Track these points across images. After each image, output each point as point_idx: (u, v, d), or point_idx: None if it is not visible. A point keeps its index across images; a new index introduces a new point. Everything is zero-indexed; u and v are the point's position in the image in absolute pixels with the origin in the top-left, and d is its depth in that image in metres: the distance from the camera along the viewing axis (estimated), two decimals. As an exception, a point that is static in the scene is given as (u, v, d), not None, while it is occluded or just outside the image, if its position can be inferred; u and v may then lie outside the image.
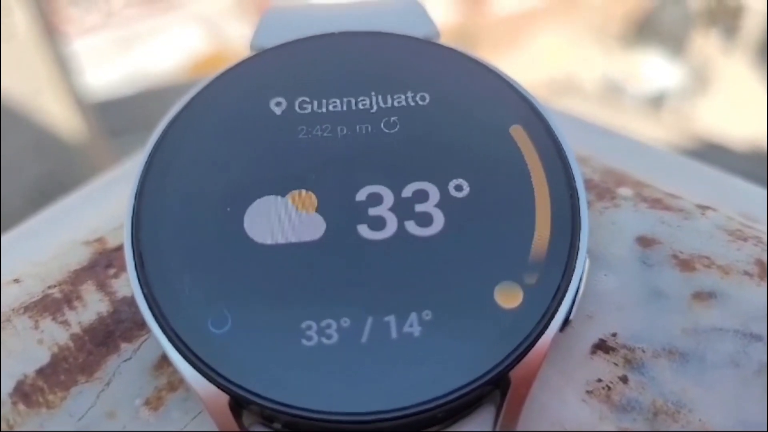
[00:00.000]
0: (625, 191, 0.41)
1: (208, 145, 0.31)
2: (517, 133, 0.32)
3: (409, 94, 0.32)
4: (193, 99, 0.33)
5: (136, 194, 0.31)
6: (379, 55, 0.34)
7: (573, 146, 0.32)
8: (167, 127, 0.33)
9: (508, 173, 0.31)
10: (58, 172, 3.13)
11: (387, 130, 0.31)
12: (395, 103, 0.32)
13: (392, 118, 0.32)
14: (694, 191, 0.43)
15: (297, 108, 0.32)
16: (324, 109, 0.32)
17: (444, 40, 0.35)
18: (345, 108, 0.32)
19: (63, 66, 3.31)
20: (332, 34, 0.35)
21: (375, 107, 0.32)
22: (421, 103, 0.32)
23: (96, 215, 0.41)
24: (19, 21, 2.70)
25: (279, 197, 0.30)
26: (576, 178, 0.31)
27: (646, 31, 7.65)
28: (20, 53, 2.78)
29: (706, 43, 8.29)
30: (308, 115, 0.32)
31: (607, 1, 8.17)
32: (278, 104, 0.32)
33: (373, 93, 0.32)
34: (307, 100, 0.32)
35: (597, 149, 0.45)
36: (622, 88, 6.95)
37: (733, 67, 7.97)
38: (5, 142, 2.91)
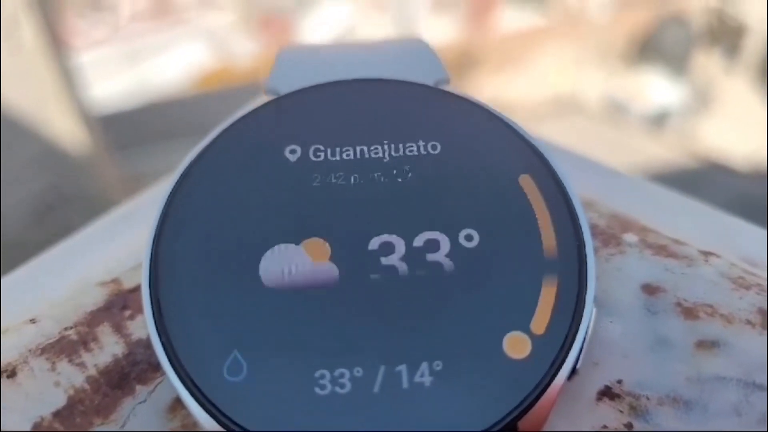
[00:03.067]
0: (630, 237, 0.42)
1: (225, 191, 0.32)
2: (526, 182, 0.32)
3: (421, 143, 0.33)
4: (209, 144, 0.34)
5: (153, 240, 0.32)
6: (391, 103, 0.35)
7: (579, 190, 0.33)
8: (185, 171, 0.33)
9: (516, 223, 0.32)
10: (63, 185, 3.15)
11: (399, 179, 0.32)
12: (407, 152, 0.33)
13: (404, 167, 0.33)
14: (698, 234, 0.44)
15: (311, 156, 0.33)
16: (338, 158, 0.33)
17: (453, 86, 0.36)
18: (358, 156, 0.33)
19: (69, 79, 3.34)
20: (346, 82, 0.36)
21: (387, 156, 0.33)
22: (432, 152, 0.33)
23: (110, 254, 0.42)
24: (26, 33, 2.73)
25: (293, 245, 0.31)
26: (583, 228, 0.32)
27: (649, 50, 7.71)
28: (27, 66, 2.81)
29: (707, 63, 8.35)
30: (322, 163, 0.33)
31: (610, 20, 8.25)
32: (293, 152, 0.33)
33: (385, 142, 0.33)
34: (321, 148, 0.33)
35: (602, 192, 0.46)
36: (626, 107, 7.00)
37: (734, 87, 8.02)
38: (11, 154, 2.91)
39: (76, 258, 0.43)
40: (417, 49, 0.37)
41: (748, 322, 0.37)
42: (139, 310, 0.38)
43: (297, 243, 0.31)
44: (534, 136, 0.36)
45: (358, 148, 0.33)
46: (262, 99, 0.35)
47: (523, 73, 8.24)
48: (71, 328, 0.37)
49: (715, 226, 0.49)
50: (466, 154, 0.33)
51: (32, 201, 3.03)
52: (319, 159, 0.33)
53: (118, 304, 0.37)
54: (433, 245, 0.31)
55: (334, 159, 0.33)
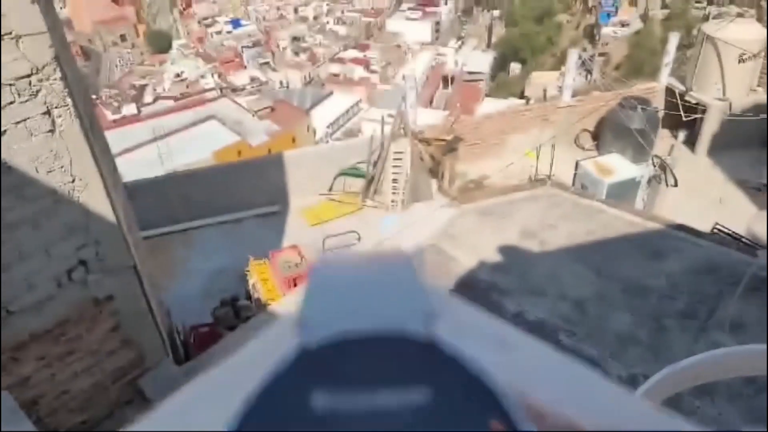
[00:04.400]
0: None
1: None
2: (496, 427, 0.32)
3: (405, 397, 0.32)
4: (243, 404, 0.31)
5: None
6: (385, 365, 0.33)
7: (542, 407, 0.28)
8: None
9: None
10: (89, 258, 3.34)
11: None
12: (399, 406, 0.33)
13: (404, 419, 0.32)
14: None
15: (337, 407, 0.31)
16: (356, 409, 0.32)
17: (440, 333, 0.30)
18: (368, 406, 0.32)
19: (97, 156, 3.44)
20: (358, 341, 0.33)
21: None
22: (412, 407, 0.31)
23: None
24: (62, 116, 2.90)
25: None
26: None
27: (615, 129, 8.53)
28: (59, 142, 2.99)
29: (669, 140, 9.25)
30: (346, 413, 0.31)
31: (579, 104, 9.19)
32: (320, 403, 0.32)
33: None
34: (345, 398, 0.32)
35: (557, 400, 0.54)
36: (596, 181, 7.69)
37: (693, 162, 8.84)
38: (42, 227, 3.07)
39: None
40: (406, 281, 0.37)
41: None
42: None
43: None
44: (503, 386, 0.31)
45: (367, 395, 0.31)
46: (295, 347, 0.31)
47: (500, 153, 9.06)
48: None
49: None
50: (441, 407, 0.31)
51: (58, 273, 3.23)
52: (342, 410, 0.30)
53: None
54: None
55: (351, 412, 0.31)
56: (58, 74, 2.76)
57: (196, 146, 22.09)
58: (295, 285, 5.53)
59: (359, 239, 6.85)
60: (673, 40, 9.20)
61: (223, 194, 7.81)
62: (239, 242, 7.33)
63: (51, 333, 3.35)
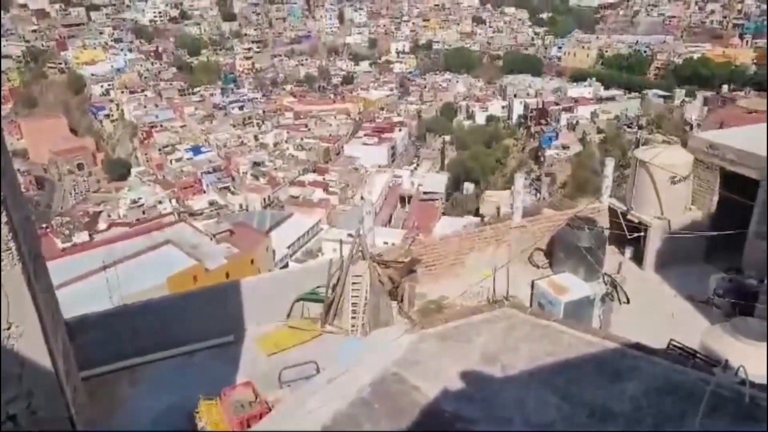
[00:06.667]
0: None
1: None
2: None
3: None
4: None
5: None
6: None
7: None
8: None
9: None
10: (19, 412, 3.06)
11: None
12: None
13: None
14: None
15: None
16: None
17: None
18: None
19: (38, 299, 3.38)
20: None
21: None
22: None
23: None
24: (3, 257, 2.76)
25: None
26: None
27: (566, 249, 8.91)
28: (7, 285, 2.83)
29: (617, 257, 9.66)
30: None
31: (532, 226, 9.64)
32: None
33: None
34: None
35: None
36: (554, 301, 7.87)
37: (642, 280, 9.20)
38: None
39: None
40: None
41: None
42: None
43: None
44: None
45: None
46: None
47: (458, 272, 9.28)
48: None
49: None
50: None
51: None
52: None
53: None
54: None
55: None
56: (3, 219, 2.74)
57: (150, 272, 21.58)
58: (248, 426, 5.19)
59: (318, 370, 6.61)
60: (610, 164, 9.98)
61: (175, 326, 7.53)
62: (190, 378, 6.95)
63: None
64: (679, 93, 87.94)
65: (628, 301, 7.95)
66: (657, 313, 7.86)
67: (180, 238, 27.85)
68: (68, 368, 3.65)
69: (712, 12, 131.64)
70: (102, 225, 44.38)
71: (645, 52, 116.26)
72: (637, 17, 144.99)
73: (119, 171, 71.89)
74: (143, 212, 49.10)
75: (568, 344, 5.87)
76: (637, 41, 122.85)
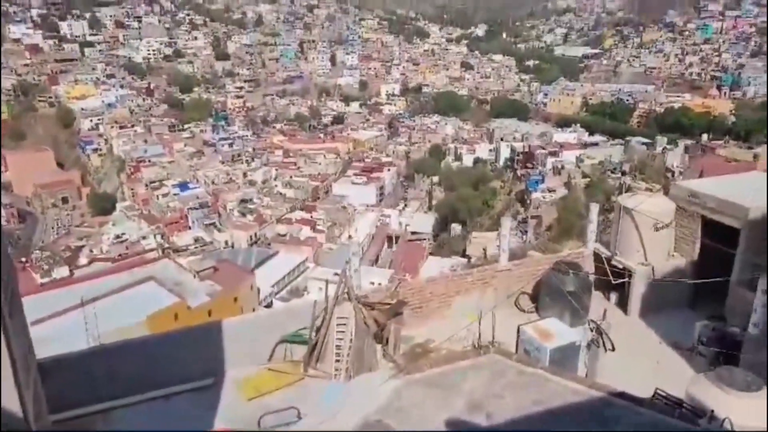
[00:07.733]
0: None
1: None
2: None
3: None
4: None
5: None
6: None
7: None
8: None
9: None
10: None
11: None
12: None
13: None
14: None
15: None
16: None
17: None
18: None
19: (11, 342, 3.37)
20: None
21: None
22: None
23: None
24: None
25: None
26: None
27: (552, 295, 8.91)
28: None
29: (602, 302, 9.66)
30: None
31: (517, 270, 9.66)
32: None
33: None
34: None
35: None
36: (539, 347, 7.79)
37: (627, 326, 9.19)
38: None
39: None
40: None
41: None
42: None
43: None
44: None
45: None
46: None
47: (444, 314, 9.21)
48: None
49: None
50: None
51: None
52: None
53: None
54: None
55: None
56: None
57: (130, 310, 21.12)
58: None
59: (299, 416, 6.44)
60: (594, 209, 10.11)
61: (153, 368, 7.32)
62: (167, 422, 6.71)
63: None
64: (661, 140, 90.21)
65: (614, 349, 7.91)
66: (642, 360, 7.82)
67: (163, 274, 27.42)
68: (38, 411, 3.52)
69: (691, 65, 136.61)
70: (83, 260, 43.60)
71: (627, 100, 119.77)
72: (619, 67, 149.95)
73: (104, 205, 71.25)
74: (126, 248, 48.42)
75: (554, 392, 5.80)
76: (620, 90, 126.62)
